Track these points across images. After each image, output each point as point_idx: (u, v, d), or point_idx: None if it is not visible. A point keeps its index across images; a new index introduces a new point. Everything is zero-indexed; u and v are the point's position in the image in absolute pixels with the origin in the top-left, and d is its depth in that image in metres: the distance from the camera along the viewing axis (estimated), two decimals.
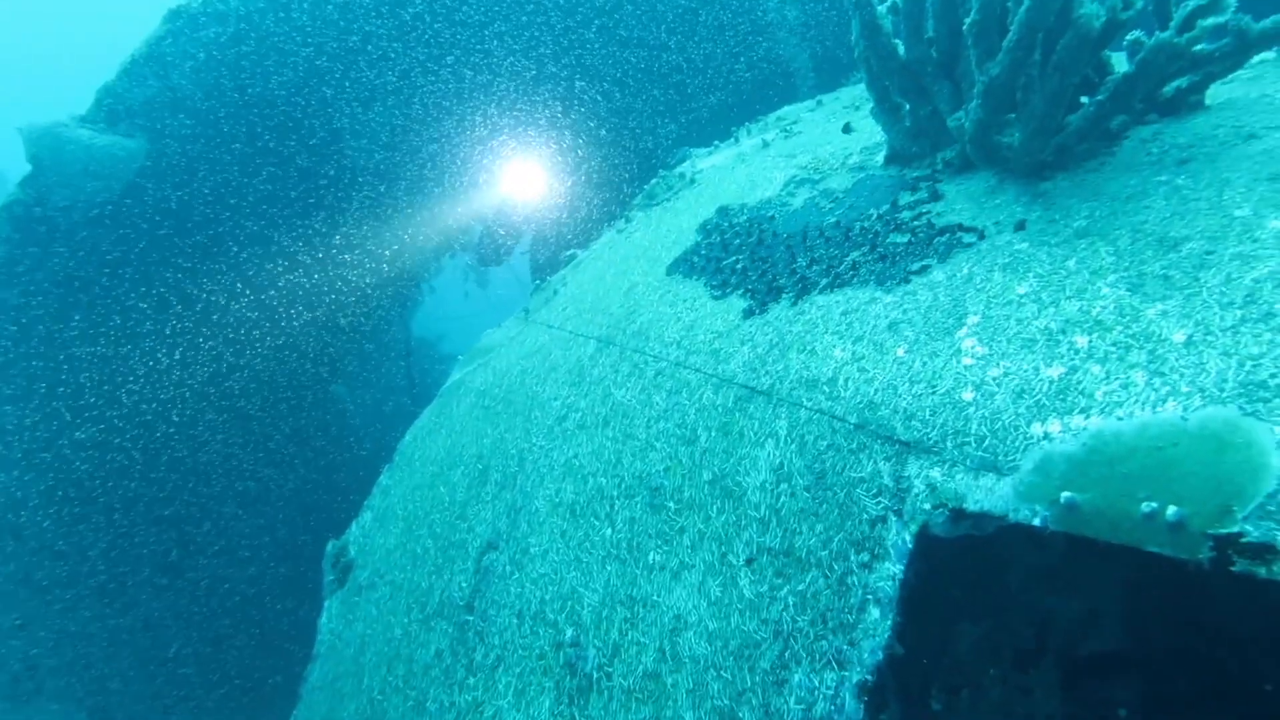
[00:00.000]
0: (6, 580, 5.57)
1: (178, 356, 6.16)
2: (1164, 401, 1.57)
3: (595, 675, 2.29)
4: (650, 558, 2.35)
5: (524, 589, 2.67)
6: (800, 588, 1.98)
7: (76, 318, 5.72)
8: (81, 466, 5.72)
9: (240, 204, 6.28)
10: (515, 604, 2.67)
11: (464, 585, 2.94)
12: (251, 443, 6.87)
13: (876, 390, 2.03)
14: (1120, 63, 2.37)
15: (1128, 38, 2.28)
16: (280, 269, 6.57)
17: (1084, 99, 2.32)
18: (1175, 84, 2.20)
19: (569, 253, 4.20)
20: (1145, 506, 1.50)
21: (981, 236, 2.21)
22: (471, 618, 2.81)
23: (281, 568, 6.90)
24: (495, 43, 6.77)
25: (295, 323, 6.79)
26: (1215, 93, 2.33)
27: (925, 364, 1.98)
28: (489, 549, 2.94)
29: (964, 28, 2.10)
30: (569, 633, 2.43)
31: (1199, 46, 2.04)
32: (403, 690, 2.93)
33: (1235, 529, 1.39)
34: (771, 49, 6.71)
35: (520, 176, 7.21)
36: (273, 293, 6.56)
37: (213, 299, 6.28)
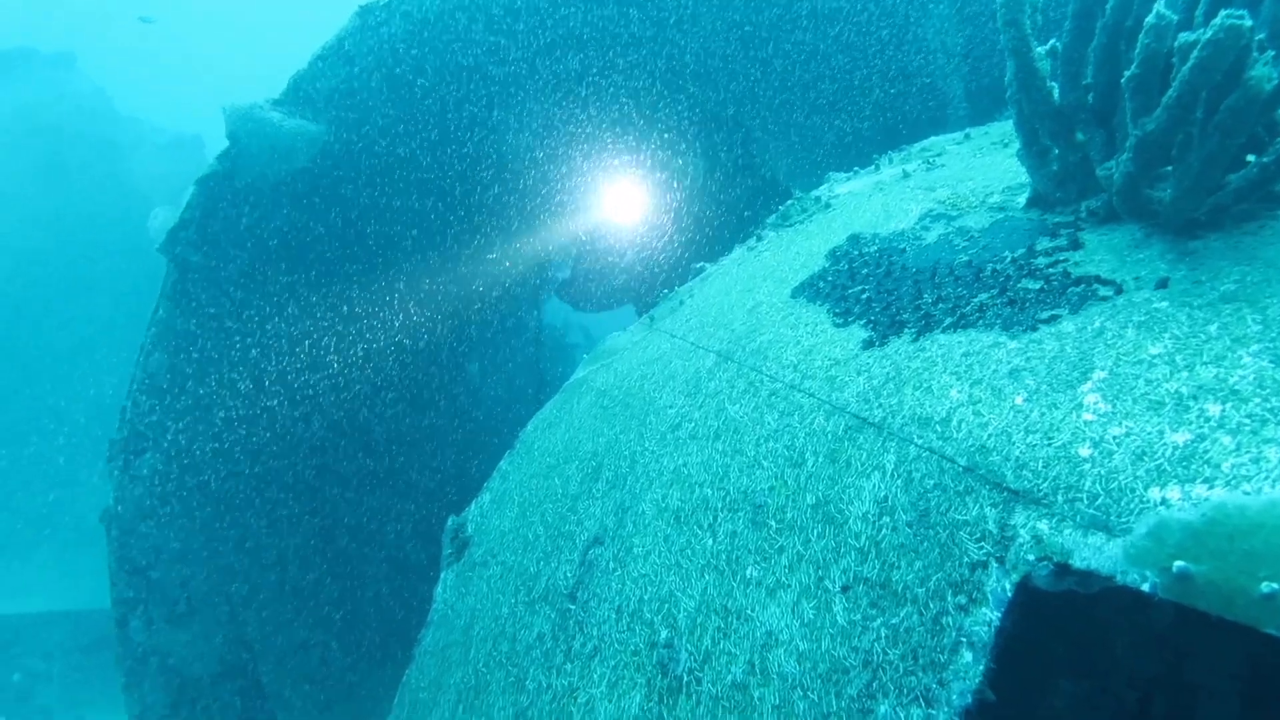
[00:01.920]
0: (173, 514, 6.20)
1: (342, 333, 6.71)
2: None
3: (685, 678, 2.39)
4: (748, 572, 2.42)
5: (624, 586, 2.80)
6: (894, 621, 2.01)
7: (257, 289, 6.31)
8: (243, 427, 6.31)
9: (408, 189, 6.78)
10: (615, 599, 2.80)
11: (569, 575, 3.10)
12: (398, 416, 7.40)
13: (990, 435, 2.03)
14: None
15: None
16: (439, 257, 7.07)
17: (1250, 157, 2.23)
18: None
19: (698, 265, 4.31)
20: (1266, 587, 1.46)
21: (1119, 291, 2.16)
22: (573, 607, 2.97)
23: (412, 542, 7.37)
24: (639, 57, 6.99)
25: (444, 305, 7.31)
26: None
27: (1043, 414, 1.97)
28: (595, 543, 3.09)
29: (1122, 80, 2.06)
30: (664, 634, 2.54)
31: None
32: (505, 666, 3.12)
33: None
34: (927, 77, 6.59)
35: (627, 199, 7.42)
36: (429, 278, 7.06)
37: (376, 281, 6.81)
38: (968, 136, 4.18)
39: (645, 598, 2.70)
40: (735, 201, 7.28)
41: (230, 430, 6.39)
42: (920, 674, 1.90)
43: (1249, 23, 1.74)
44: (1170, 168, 2.14)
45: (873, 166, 4.22)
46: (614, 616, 2.76)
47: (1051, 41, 2.62)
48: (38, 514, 14.16)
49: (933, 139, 4.39)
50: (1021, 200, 2.89)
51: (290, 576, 6.92)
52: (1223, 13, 1.78)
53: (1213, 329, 1.90)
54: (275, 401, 6.61)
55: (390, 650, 7.15)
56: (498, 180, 7.22)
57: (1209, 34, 1.79)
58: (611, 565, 2.92)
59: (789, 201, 4.14)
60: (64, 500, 14.37)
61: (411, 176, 6.86)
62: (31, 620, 10.80)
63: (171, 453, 6.18)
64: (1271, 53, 1.83)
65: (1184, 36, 1.92)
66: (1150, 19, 1.95)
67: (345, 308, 6.82)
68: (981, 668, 1.80)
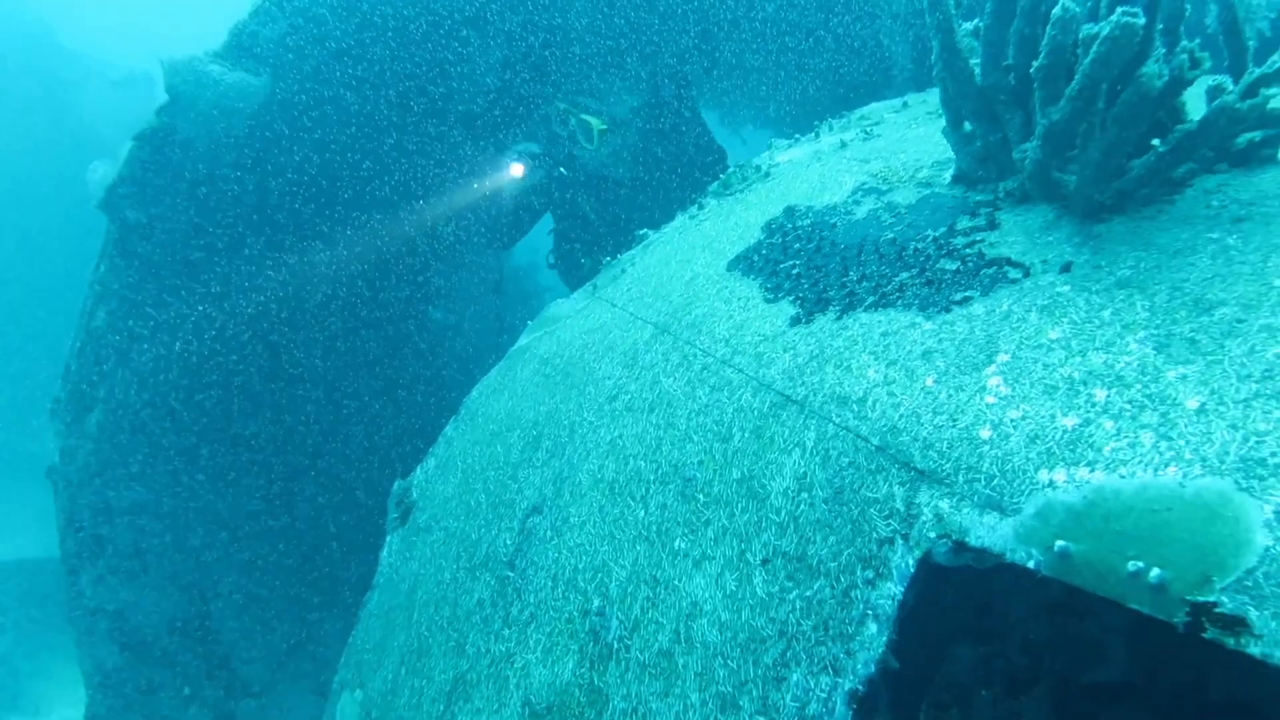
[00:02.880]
0: (123, 471, 6.13)
1: (295, 284, 6.63)
2: (1166, 465, 1.63)
3: (615, 646, 2.49)
4: (676, 544, 2.52)
5: (560, 555, 2.88)
6: (808, 594, 2.12)
7: (200, 242, 6.17)
8: (193, 382, 6.25)
9: (357, 138, 6.68)
10: (552, 568, 2.88)
11: (508, 543, 3.18)
12: (356, 363, 7.38)
13: (901, 416, 2.12)
14: (1198, 107, 2.33)
15: (1208, 83, 2.25)
16: (392, 197, 7.02)
17: (1155, 141, 2.31)
18: (1248, 136, 2.17)
19: (641, 232, 4.33)
20: (1132, 565, 1.58)
21: (1027, 274, 2.25)
22: (512, 574, 3.05)
23: (369, 496, 7.40)
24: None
25: (400, 249, 7.30)
26: None
27: (950, 396, 2.06)
28: (534, 512, 3.16)
29: (1031, 70, 2.11)
30: (596, 602, 2.63)
31: (1273, 104, 2.01)
32: (446, 630, 3.21)
33: (1212, 598, 1.46)
34: (873, 38, 6.58)
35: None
36: (380, 220, 7.01)
37: (326, 228, 6.74)
38: (905, 105, 4.22)
39: (580, 566, 2.78)
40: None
41: (179, 387, 6.31)
42: (830, 644, 2.01)
43: (1142, 20, 1.80)
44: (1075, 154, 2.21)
45: (813, 134, 4.24)
46: (550, 584, 2.85)
47: (975, 21, 2.66)
48: None
49: (872, 105, 4.42)
50: (948, 176, 2.95)
51: (245, 530, 6.92)
52: (1119, 9, 1.83)
53: (1106, 314, 2.00)
54: (226, 357, 6.53)
55: (343, 599, 7.23)
56: (444, 115, 7.19)
57: (1105, 30, 1.84)
58: (549, 534, 2.99)
59: (730, 169, 4.15)
60: (12, 445, 14.11)
61: (358, 127, 6.74)
62: None
63: (119, 410, 6.09)
64: (1163, 50, 1.89)
65: (1087, 29, 1.97)
66: (1056, 11, 2.00)
67: (296, 258, 6.73)
68: (885, 639, 1.91)
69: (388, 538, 4.04)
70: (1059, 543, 1.69)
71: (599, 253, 6.88)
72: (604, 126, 6.81)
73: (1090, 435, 1.77)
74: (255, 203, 6.40)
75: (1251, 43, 2.13)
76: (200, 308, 6.10)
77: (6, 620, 10.28)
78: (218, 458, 6.44)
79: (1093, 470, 1.72)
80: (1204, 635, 1.46)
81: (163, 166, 5.71)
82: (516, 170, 6.83)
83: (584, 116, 6.77)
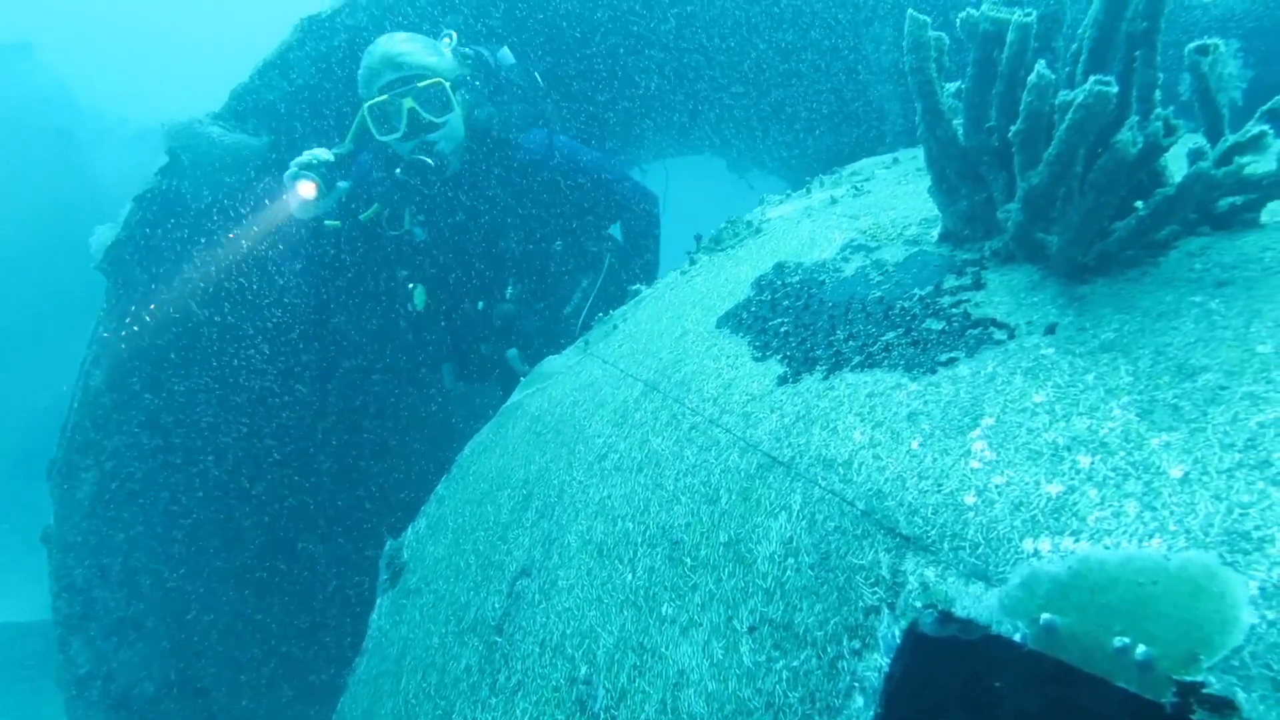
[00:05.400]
0: (115, 534, 6.09)
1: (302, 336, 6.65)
2: (1151, 536, 1.59)
3: (601, 716, 2.43)
4: (663, 610, 2.47)
5: (549, 619, 2.83)
6: (795, 664, 2.07)
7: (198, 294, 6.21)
8: (191, 442, 6.23)
9: None
10: (540, 633, 2.83)
11: (497, 606, 3.13)
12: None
13: (887, 480, 2.09)
14: (1181, 168, 2.35)
15: (1189, 147, 2.27)
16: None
17: (1138, 203, 2.32)
18: (1230, 200, 2.17)
19: (634, 287, 4.35)
20: (1118, 641, 1.53)
21: (1012, 335, 2.24)
22: (500, 639, 2.99)
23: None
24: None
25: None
26: (1277, 208, 2.28)
27: (935, 460, 2.04)
28: (522, 574, 3.11)
29: (1009, 134, 2.14)
30: (583, 670, 2.58)
31: (1250, 170, 2.02)
32: (433, 698, 3.14)
33: (1199, 678, 1.42)
34: (865, 92, 6.70)
35: None
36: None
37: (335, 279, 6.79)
38: (896, 160, 4.27)
39: (568, 632, 2.73)
40: None
41: (176, 448, 6.30)
42: (817, 717, 1.95)
43: (1115, 88, 1.82)
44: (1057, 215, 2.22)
45: (804, 190, 4.28)
46: (537, 650, 2.79)
47: (958, 83, 2.69)
48: None
49: (864, 161, 4.47)
50: (935, 234, 2.96)
51: (240, 594, 6.84)
52: (1092, 78, 1.85)
53: (1090, 378, 1.98)
54: (227, 414, 6.52)
55: (337, 660, 7.12)
56: None
57: (1080, 97, 1.86)
58: (537, 598, 2.95)
59: (723, 225, 4.19)
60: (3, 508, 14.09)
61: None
62: None
63: (112, 473, 6.08)
64: (1137, 118, 1.91)
65: (1063, 95, 1.99)
66: (1032, 78, 2.03)
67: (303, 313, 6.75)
68: (871, 713, 1.86)
69: (378, 600, 3.99)
70: (1044, 615, 1.65)
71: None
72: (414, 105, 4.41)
73: (1075, 503, 1.74)
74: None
75: (1225, 111, 2.15)
76: (201, 366, 6.12)
77: None
78: (212, 522, 6.40)
79: (1077, 540, 1.68)
80: (1192, 718, 1.41)
81: (162, 226, 5.79)
82: (304, 191, 4.45)
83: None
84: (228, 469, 6.50)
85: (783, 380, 2.68)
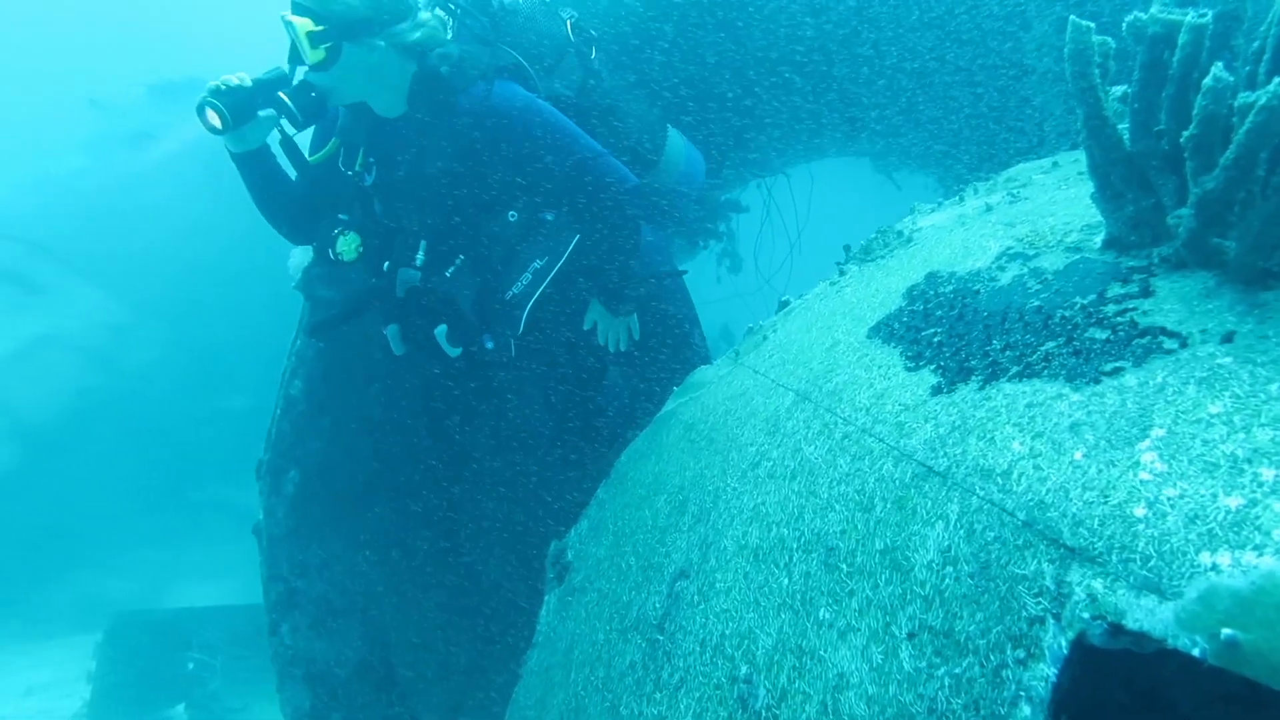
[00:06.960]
0: (315, 528, 6.76)
1: None
2: None
3: (763, 714, 2.54)
4: (820, 614, 2.55)
5: (708, 620, 2.97)
6: (957, 671, 2.11)
7: None
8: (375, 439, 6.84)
9: None
10: (699, 632, 2.97)
11: (657, 606, 3.30)
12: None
13: (1049, 490, 2.09)
14: None
15: None
16: None
17: None
18: None
19: (783, 298, 4.43)
20: None
21: (1184, 344, 2.18)
22: (661, 637, 3.16)
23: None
24: None
25: None
26: None
27: (1101, 471, 2.02)
28: (681, 576, 3.27)
29: (1181, 139, 2.08)
30: (744, 669, 2.70)
31: None
32: (601, 691, 3.35)
33: None
34: (1027, 96, 6.44)
35: None
36: None
37: None
38: (1056, 165, 4.13)
39: (726, 632, 2.86)
40: None
41: (364, 444, 6.92)
42: None
43: None
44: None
45: (956, 197, 4.22)
46: (698, 649, 2.94)
47: (1123, 87, 2.63)
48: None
49: (1020, 166, 4.34)
50: (1098, 240, 2.89)
51: (421, 580, 7.41)
52: (1276, 79, 1.79)
53: (1274, 388, 1.91)
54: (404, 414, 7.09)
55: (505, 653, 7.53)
56: None
57: (1263, 99, 1.80)
58: (696, 599, 3.09)
59: (872, 235, 4.20)
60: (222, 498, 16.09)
61: None
62: (197, 614, 11.99)
63: (312, 470, 6.76)
64: None
65: (1243, 97, 1.93)
66: (1207, 81, 1.97)
67: None
68: None
69: (545, 597, 4.27)
70: (1225, 631, 1.62)
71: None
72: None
73: (1257, 517, 1.70)
74: None
75: None
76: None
77: (217, 661, 11.42)
78: (394, 516, 6.97)
79: (1260, 554, 1.64)
80: None
81: None
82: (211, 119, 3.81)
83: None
84: (403, 475, 7.06)
85: (936, 390, 2.70)
